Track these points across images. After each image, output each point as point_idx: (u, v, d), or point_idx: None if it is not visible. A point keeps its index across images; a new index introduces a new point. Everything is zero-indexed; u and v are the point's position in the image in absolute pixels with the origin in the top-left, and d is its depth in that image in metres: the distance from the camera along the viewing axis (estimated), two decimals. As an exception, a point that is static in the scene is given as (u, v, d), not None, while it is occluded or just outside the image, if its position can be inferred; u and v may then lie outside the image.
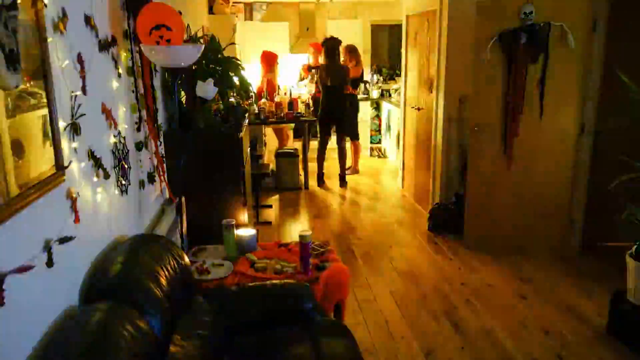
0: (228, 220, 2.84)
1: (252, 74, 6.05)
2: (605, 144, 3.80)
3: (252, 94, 5.38)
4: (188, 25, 3.39)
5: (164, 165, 2.93)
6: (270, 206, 5.45)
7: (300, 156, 6.14)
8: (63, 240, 1.48)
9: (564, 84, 3.74)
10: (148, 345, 1.53)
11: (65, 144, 1.57)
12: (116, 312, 1.52)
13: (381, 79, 7.99)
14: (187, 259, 2.17)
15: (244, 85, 3.44)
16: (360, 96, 7.10)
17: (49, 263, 1.42)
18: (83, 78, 1.76)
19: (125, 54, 2.32)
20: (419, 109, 5.24)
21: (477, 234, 4.15)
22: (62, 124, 1.55)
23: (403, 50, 5.80)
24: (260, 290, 2.39)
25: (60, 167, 1.51)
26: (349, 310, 3.10)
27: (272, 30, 7.37)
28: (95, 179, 1.85)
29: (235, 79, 3.37)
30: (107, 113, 2.02)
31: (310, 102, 6.55)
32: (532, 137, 3.85)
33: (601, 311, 3.14)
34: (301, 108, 6.13)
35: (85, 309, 1.56)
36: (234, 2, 6.91)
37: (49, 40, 1.46)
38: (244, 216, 3.54)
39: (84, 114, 1.72)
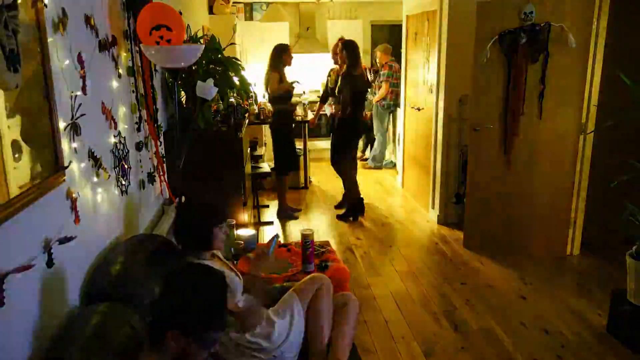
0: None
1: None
2: (605, 144, 3.80)
3: (252, 94, 5.38)
4: (188, 25, 3.39)
5: (164, 165, 2.94)
6: (267, 206, 5.45)
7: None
8: (63, 240, 1.48)
9: (564, 84, 3.74)
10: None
11: (65, 144, 1.57)
12: (116, 313, 1.52)
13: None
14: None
15: (244, 85, 3.44)
16: None
17: (49, 263, 1.42)
18: (83, 78, 1.76)
19: (125, 54, 2.32)
20: (419, 109, 5.24)
21: (477, 234, 4.15)
22: (62, 124, 1.55)
23: (403, 50, 5.80)
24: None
25: (60, 167, 1.51)
26: (349, 310, 3.10)
27: (272, 30, 7.37)
28: (95, 179, 1.85)
29: (235, 79, 3.37)
30: (107, 113, 2.02)
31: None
32: (532, 137, 3.85)
33: (601, 311, 3.14)
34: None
35: (86, 309, 1.56)
36: (234, 2, 6.91)
37: (49, 40, 1.46)
38: (244, 216, 3.54)
39: (84, 114, 1.72)
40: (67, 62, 1.63)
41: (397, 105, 6.41)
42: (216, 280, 1.41)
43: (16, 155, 1.26)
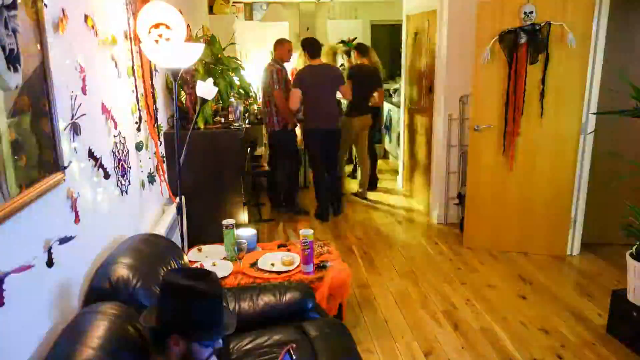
0: (228, 220, 2.84)
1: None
2: (606, 144, 3.80)
3: (253, 94, 5.38)
4: (188, 25, 3.39)
5: (164, 165, 2.94)
6: (263, 204, 5.44)
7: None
8: (63, 240, 1.48)
9: (564, 84, 3.74)
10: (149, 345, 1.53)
11: (65, 144, 1.57)
12: (117, 312, 1.52)
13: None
14: (186, 259, 2.17)
15: (244, 85, 3.45)
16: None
17: (49, 263, 1.42)
18: (83, 78, 1.76)
19: (125, 54, 2.32)
20: (419, 109, 5.23)
21: (477, 233, 4.15)
22: (62, 124, 1.55)
23: (403, 50, 5.79)
24: (260, 290, 2.38)
25: (60, 167, 1.51)
26: (349, 310, 3.10)
27: (272, 30, 7.36)
28: (95, 179, 1.85)
29: (236, 79, 3.38)
30: (107, 113, 2.02)
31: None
32: (532, 137, 3.85)
33: (601, 311, 3.14)
34: None
35: (86, 309, 1.56)
36: (234, 2, 6.91)
37: (49, 40, 1.46)
38: (244, 216, 3.54)
39: (84, 114, 1.73)
40: (67, 62, 1.63)
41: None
42: (213, 284, 1.43)
43: (16, 156, 1.26)
